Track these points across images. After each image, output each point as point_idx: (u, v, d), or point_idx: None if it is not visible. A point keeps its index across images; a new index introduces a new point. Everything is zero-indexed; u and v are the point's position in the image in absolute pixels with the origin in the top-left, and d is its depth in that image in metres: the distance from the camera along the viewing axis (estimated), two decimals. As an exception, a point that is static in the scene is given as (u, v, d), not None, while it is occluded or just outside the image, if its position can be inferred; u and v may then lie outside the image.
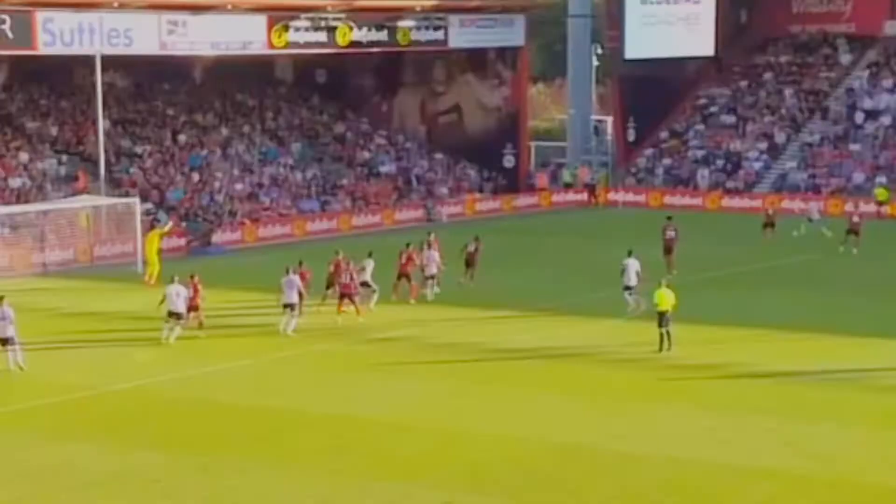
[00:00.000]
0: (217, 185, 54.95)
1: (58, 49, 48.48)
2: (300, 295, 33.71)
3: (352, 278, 35.07)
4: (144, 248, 43.07)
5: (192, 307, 33.34)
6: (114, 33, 49.37)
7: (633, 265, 35.66)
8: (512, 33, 62.61)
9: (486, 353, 31.64)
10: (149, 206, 50.67)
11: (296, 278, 33.85)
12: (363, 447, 23.87)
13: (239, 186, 55.58)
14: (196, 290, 33.52)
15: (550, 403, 26.89)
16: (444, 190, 61.44)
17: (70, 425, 25.42)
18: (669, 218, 44.48)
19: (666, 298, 31.25)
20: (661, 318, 31.15)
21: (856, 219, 47.68)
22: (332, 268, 36.27)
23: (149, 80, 60.02)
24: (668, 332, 31.11)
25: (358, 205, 57.65)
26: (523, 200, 62.80)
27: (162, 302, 32.88)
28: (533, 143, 71.45)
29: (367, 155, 62.33)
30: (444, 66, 65.14)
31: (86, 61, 50.88)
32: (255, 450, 23.75)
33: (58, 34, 47.95)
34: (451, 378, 29.12)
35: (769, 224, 50.46)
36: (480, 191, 62.80)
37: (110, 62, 51.52)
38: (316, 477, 22.22)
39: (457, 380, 28.95)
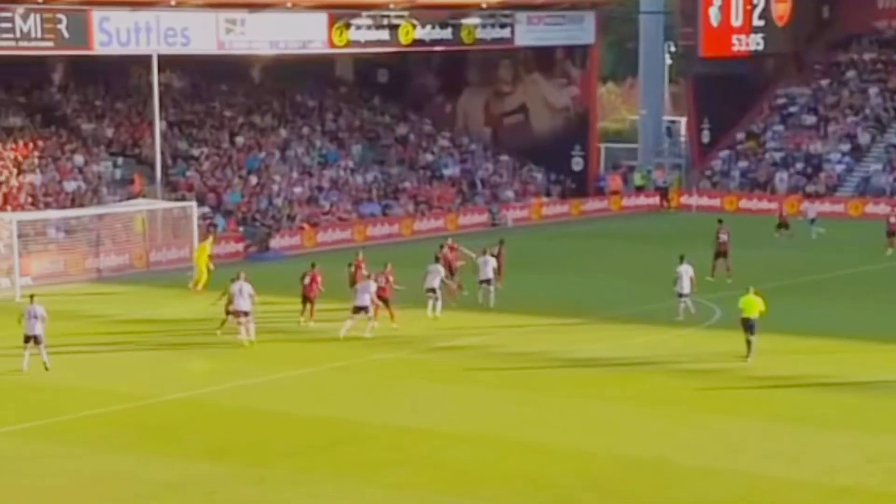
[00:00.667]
0: (275, 188, 55.40)
1: (114, 49, 49.16)
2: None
3: (387, 281, 35.56)
4: (194, 256, 43.64)
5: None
6: (171, 32, 50.00)
7: (686, 272, 36.00)
8: (581, 31, 62.48)
9: (553, 362, 31.65)
10: (205, 209, 51.19)
11: (372, 283, 34.53)
12: (424, 459, 24.00)
13: (298, 190, 56.00)
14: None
15: (619, 414, 26.87)
16: (509, 193, 61.44)
17: (124, 435, 25.78)
18: (720, 221, 44.58)
19: (753, 305, 31.15)
20: (747, 325, 31.04)
21: (893, 219, 48.28)
22: (352, 268, 37.10)
23: (206, 80, 60.65)
24: (749, 342, 31.01)
25: (420, 209, 57.84)
26: (592, 204, 62.60)
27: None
28: (602, 145, 71.22)
29: (429, 157, 62.50)
30: (510, 65, 65.14)
31: (142, 61, 51.51)
32: (312, 461, 23.96)
33: (114, 33, 48.64)
34: (516, 388, 29.18)
35: (783, 225, 51.47)
36: (548, 194, 62.70)
37: (167, 62, 52.11)
38: (375, 489, 22.37)
39: (522, 389, 29.00)
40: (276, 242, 51.04)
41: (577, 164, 64.13)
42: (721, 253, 42.45)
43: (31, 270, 43.62)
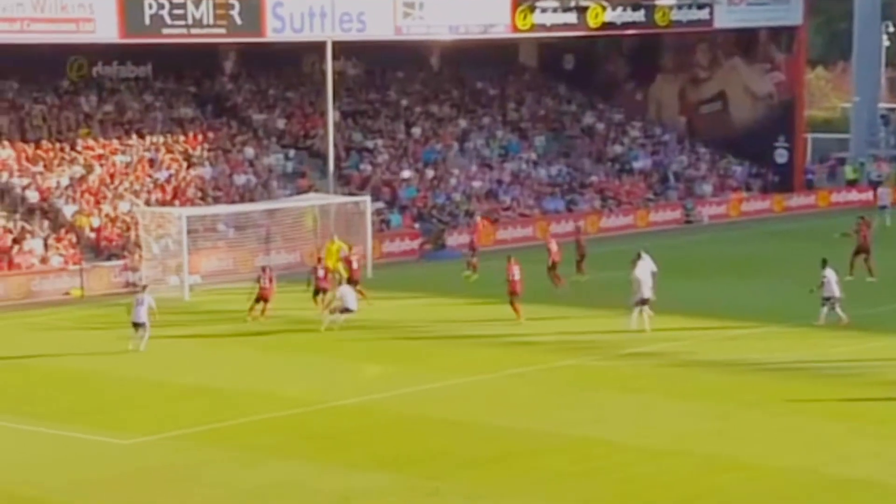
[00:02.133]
0: (453, 182, 55.74)
1: (287, 35, 50.11)
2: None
3: (517, 277, 36.47)
4: (324, 258, 43.43)
5: (263, 297, 37.46)
6: (346, 17, 50.76)
7: (833, 276, 35.79)
8: (788, 10, 61.42)
9: (753, 371, 31.11)
10: (380, 205, 51.76)
11: (647, 267, 35.90)
12: (609, 473, 23.80)
13: (477, 184, 56.24)
14: (270, 281, 37.73)
15: (828, 431, 26.22)
16: (706, 188, 60.71)
17: (292, 442, 26.21)
18: (862, 217, 44.13)
19: None
20: None
21: None
22: (353, 264, 40.34)
23: (381, 67, 61.40)
24: None
25: (608, 205, 57.54)
26: (797, 200, 61.55)
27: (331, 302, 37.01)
28: (809, 136, 69.92)
29: (618, 149, 62.14)
30: (707, 49, 64.40)
31: (315, 48, 52.40)
32: (490, 473, 23.98)
33: (287, 19, 49.60)
34: (713, 399, 28.75)
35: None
36: (748, 189, 61.82)
37: (341, 49, 52.89)
38: (556, 505, 22.32)
39: (720, 401, 28.55)
40: (452, 240, 51.29)
41: (780, 156, 63.08)
42: (863, 249, 42.16)
43: (200, 268, 44.66)
